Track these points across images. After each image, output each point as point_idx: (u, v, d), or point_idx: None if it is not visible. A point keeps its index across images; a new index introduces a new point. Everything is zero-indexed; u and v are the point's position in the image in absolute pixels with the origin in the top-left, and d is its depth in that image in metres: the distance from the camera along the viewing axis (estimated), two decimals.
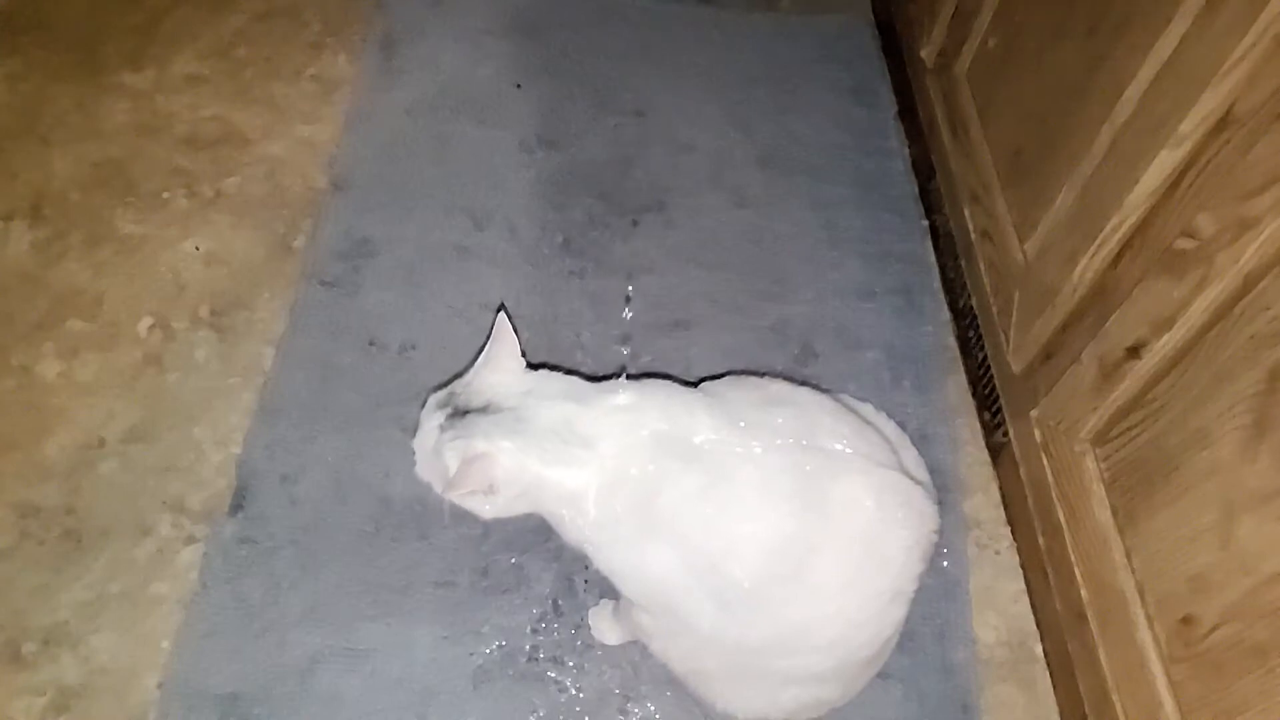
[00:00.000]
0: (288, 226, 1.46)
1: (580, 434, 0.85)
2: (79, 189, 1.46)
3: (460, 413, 0.89)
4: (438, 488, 0.90)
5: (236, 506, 1.16)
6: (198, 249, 1.41)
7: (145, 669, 1.05)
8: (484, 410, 0.87)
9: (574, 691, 1.08)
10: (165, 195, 1.47)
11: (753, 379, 0.99)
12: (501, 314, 0.92)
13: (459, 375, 0.95)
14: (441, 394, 0.93)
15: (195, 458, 1.21)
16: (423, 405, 0.94)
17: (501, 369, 0.91)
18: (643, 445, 0.85)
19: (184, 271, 1.39)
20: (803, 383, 1.04)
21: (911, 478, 0.93)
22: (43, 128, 1.53)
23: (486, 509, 0.89)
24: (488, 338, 0.93)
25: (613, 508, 0.85)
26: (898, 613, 0.91)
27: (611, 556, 0.89)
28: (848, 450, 0.89)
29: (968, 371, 1.41)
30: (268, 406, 1.25)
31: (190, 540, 1.14)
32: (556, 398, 0.87)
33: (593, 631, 1.11)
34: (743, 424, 0.87)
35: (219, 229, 1.44)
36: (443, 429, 0.88)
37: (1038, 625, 1.18)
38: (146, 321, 1.33)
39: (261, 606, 1.09)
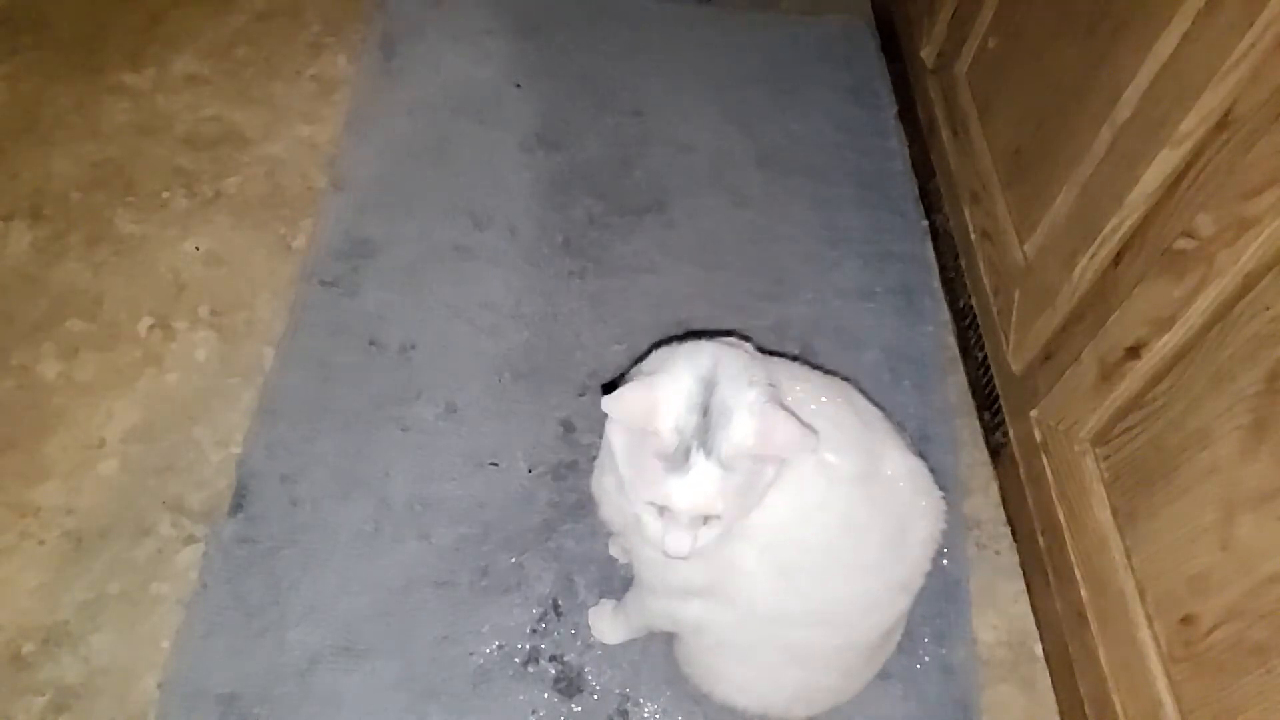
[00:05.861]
0: (288, 226, 1.46)
1: None
2: (79, 189, 1.46)
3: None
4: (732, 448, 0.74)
5: (236, 506, 1.16)
6: (198, 249, 1.41)
7: (145, 669, 1.05)
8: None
9: (574, 691, 1.08)
10: (165, 195, 1.47)
11: (787, 361, 0.98)
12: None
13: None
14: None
15: (195, 458, 1.21)
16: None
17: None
18: None
19: (184, 271, 1.39)
20: None
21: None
22: (43, 128, 1.53)
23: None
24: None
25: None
26: (903, 604, 0.92)
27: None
28: (882, 426, 0.90)
29: (968, 371, 1.41)
30: (268, 406, 1.25)
31: (190, 540, 1.14)
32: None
33: (593, 631, 1.11)
34: (803, 379, 0.87)
35: (219, 229, 1.44)
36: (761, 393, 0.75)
37: (1038, 625, 1.18)
38: (146, 321, 1.33)
39: (261, 606, 1.09)
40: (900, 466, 0.88)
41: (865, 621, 0.92)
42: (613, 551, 1.17)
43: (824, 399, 0.86)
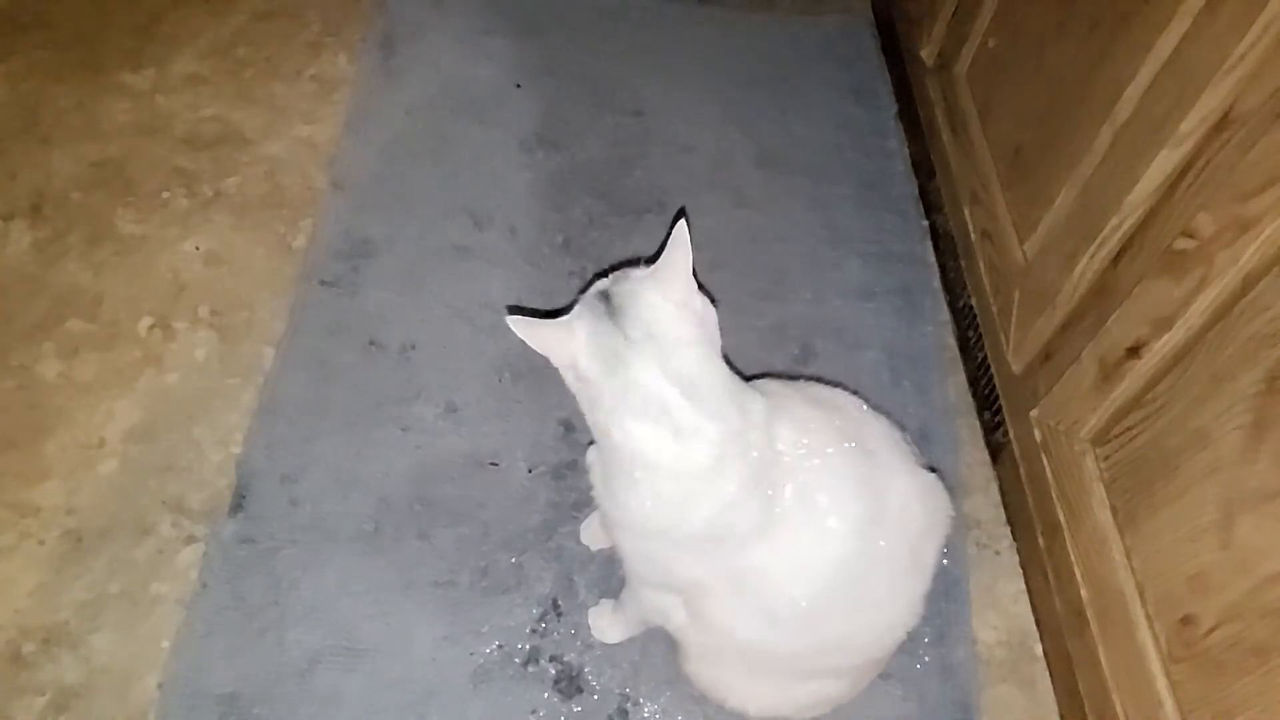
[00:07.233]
0: (288, 226, 1.46)
1: (679, 423, 0.77)
2: (79, 189, 1.46)
3: (611, 307, 0.81)
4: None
5: (236, 506, 1.16)
6: (198, 249, 1.41)
7: (145, 669, 1.05)
8: (624, 324, 0.80)
9: (574, 691, 1.08)
10: (165, 195, 1.47)
11: (783, 380, 0.97)
12: (681, 223, 0.80)
13: (627, 264, 0.86)
14: (612, 279, 0.84)
15: (195, 458, 1.21)
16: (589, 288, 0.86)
17: (667, 291, 0.80)
18: (748, 468, 0.79)
19: (184, 271, 1.39)
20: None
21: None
22: (43, 128, 1.53)
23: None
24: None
25: (683, 505, 0.80)
26: (919, 612, 0.92)
27: (637, 541, 0.86)
28: (888, 451, 0.89)
29: (968, 371, 1.41)
30: (268, 406, 1.25)
31: (190, 540, 1.14)
32: (672, 375, 0.78)
33: (593, 631, 1.11)
34: (809, 425, 0.85)
35: (219, 229, 1.44)
36: (590, 303, 0.82)
37: (1038, 625, 1.18)
38: (146, 321, 1.33)
39: (261, 606, 1.09)
40: (909, 490, 0.87)
41: (887, 639, 0.92)
42: (584, 539, 1.17)
43: (830, 450, 0.84)
